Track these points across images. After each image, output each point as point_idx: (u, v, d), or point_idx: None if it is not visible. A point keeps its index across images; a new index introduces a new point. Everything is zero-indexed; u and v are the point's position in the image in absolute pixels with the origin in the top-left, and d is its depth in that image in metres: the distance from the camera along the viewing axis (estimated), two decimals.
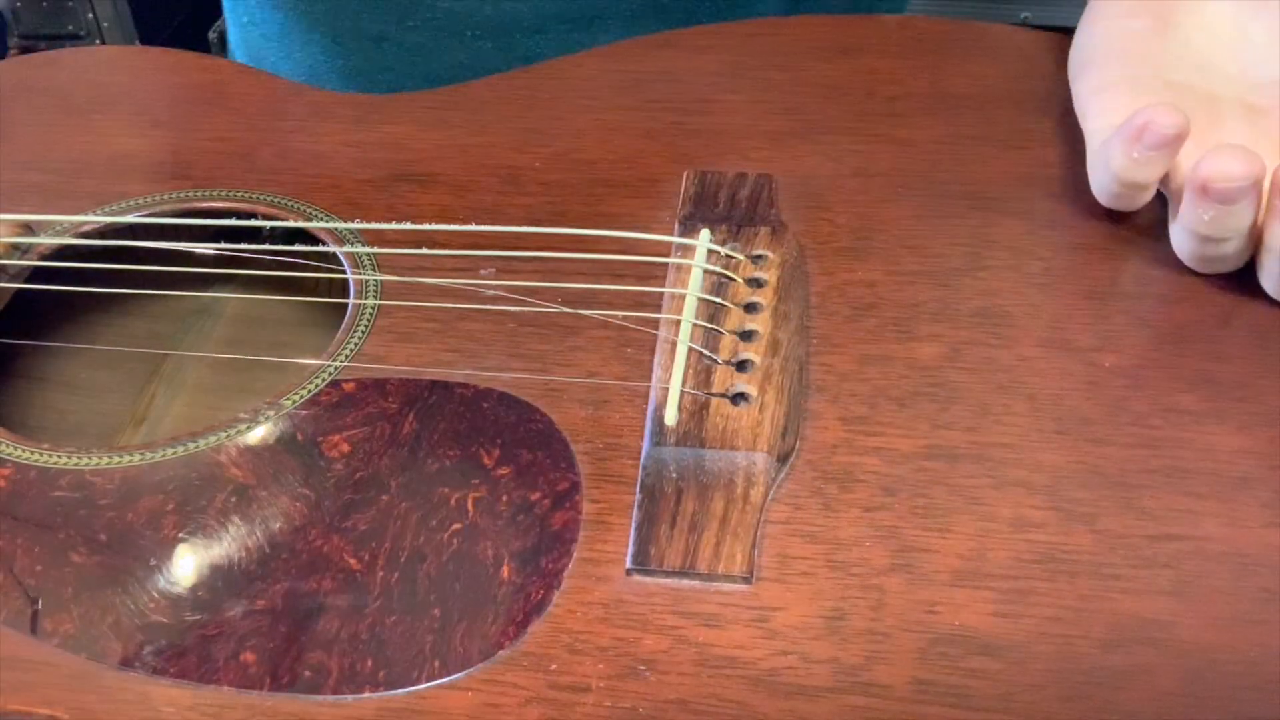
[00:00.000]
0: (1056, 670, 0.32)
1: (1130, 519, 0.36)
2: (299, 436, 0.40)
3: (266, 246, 0.47)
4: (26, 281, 0.48)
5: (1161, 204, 0.45)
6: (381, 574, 0.36)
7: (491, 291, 0.44)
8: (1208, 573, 0.35)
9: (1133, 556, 0.35)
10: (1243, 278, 0.42)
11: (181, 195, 0.49)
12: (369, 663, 0.34)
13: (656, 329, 0.42)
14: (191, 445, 0.39)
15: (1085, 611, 0.34)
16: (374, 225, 0.47)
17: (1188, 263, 0.43)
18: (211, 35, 1.36)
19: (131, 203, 0.49)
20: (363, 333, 0.43)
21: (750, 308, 0.42)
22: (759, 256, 0.43)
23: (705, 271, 0.43)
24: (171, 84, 0.56)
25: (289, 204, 0.48)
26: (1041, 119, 0.49)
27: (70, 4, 1.29)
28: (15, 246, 0.47)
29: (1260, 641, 0.33)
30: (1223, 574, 0.34)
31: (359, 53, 0.65)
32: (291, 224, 0.48)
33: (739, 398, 0.39)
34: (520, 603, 0.35)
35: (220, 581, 0.36)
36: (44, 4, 1.30)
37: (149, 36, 1.34)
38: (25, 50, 1.29)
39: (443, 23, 0.64)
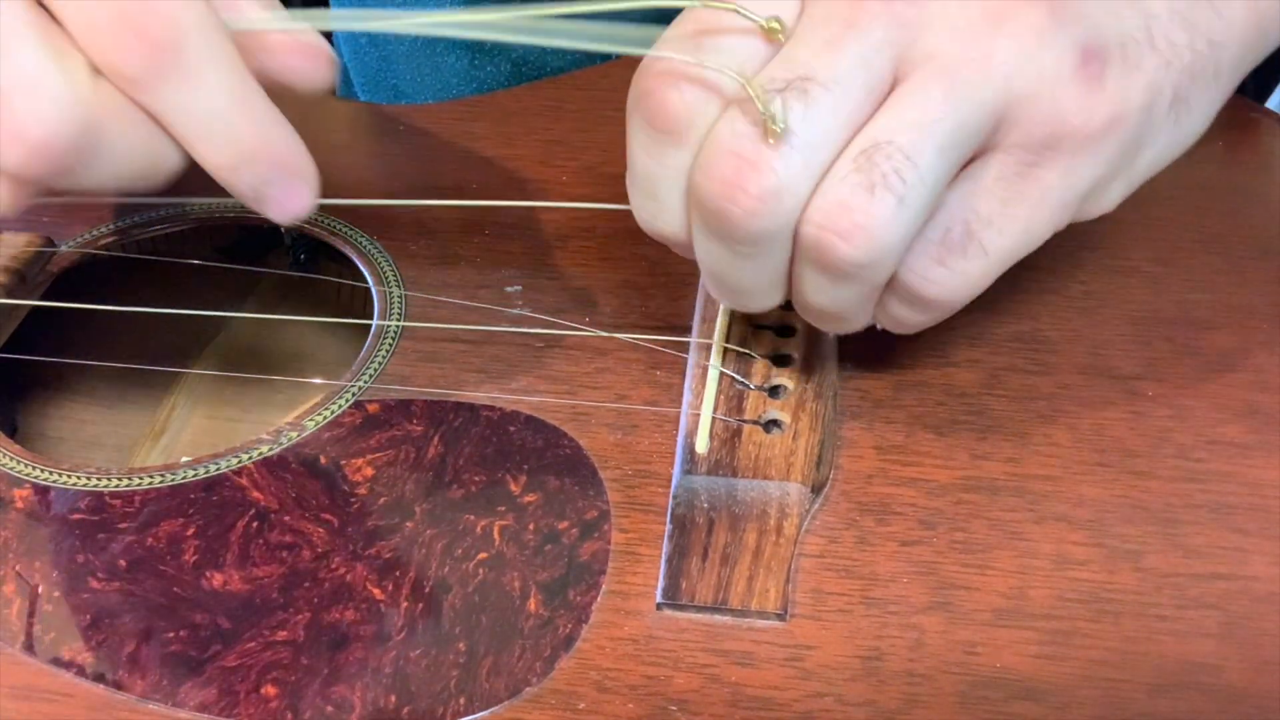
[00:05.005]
0: (1102, 717, 0.31)
1: (1176, 557, 0.35)
2: (322, 459, 0.39)
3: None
4: (46, 295, 0.47)
5: (1205, 221, 0.44)
6: (406, 605, 0.35)
7: (518, 310, 0.43)
8: (1256, 614, 0.33)
9: (1179, 596, 0.34)
10: None
11: (205, 205, 0.49)
12: (393, 698, 0.33)
13: (686, 352, 0.41)
14: (212, 467, 0.39)
15: (1131, 654, 0.33)
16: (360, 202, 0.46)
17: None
18: None
19: (154, 213, 0.48)
20: (386, 351, 0.42)
21: (783, 331, 0.41)
22: None
23: None
24: None
25: (311, 216, 0.47)
26: None
27: None
28: (38, 257, 0.47)
29: None
30: (1272, 615, 0.33)
31: (496, 75, 0.63)
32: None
33: (771, 425, 0.38)
34: (548, 637, 0.34)
35: (241, 610, 0.35)
36: None
37: None
38: None
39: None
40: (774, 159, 0.29)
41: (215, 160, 0.33)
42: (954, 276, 0.32)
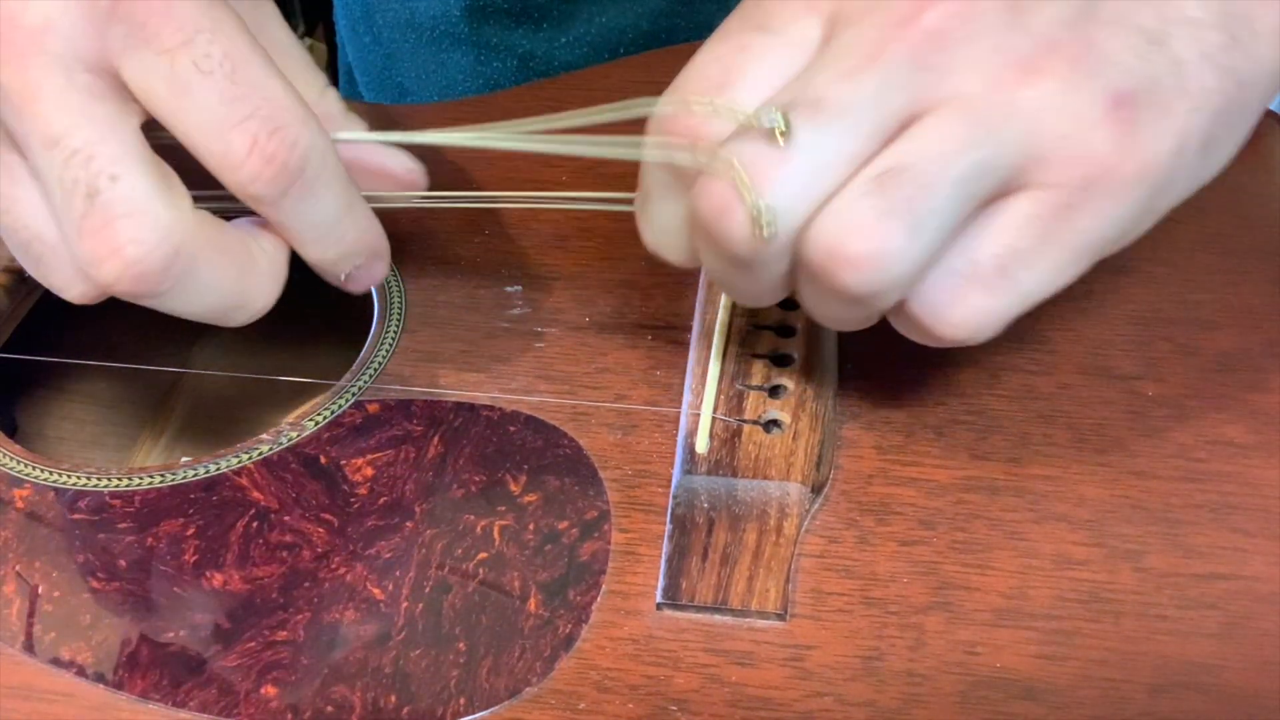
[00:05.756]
0: (1102, 717, 0.31)
1: (1176, 557, 0.35)
2: (322, 459, 0.39)
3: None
4: (45, 295, 0.47)
5: (1205, 221, 0.44)
6: (405, 605, 0.35)
7: (518, 310, 0.43)
8: (1257, 614, 0.33)
9: (1179, 597, 0.34)
10: None
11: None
12: (393, 698, 0.33)
13: (687, 351, 0.41)
14: (212, 467, 0.39)
15: (1131, 654, 0.33)
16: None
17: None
18: None
19: None
20: (386, 351, 0.42)
21: (783, 331, 0.41)
22: None
23: None
24: None
25: None
26: None
27: None
28: None
29: None
30: (1272, 615, 0.33)
31: (503, 72, 0.63)
32: None
33: (771, 425, 0.38)
34: (548, 637, 0.34)
35: (241, 610, 0.35)
36: None
37: None
38: None
39: (597, 40, 0.61)
40: (770, 181, 0.29)
41: (320, 258, 0.37)
42: (973, 314, 0.30)
